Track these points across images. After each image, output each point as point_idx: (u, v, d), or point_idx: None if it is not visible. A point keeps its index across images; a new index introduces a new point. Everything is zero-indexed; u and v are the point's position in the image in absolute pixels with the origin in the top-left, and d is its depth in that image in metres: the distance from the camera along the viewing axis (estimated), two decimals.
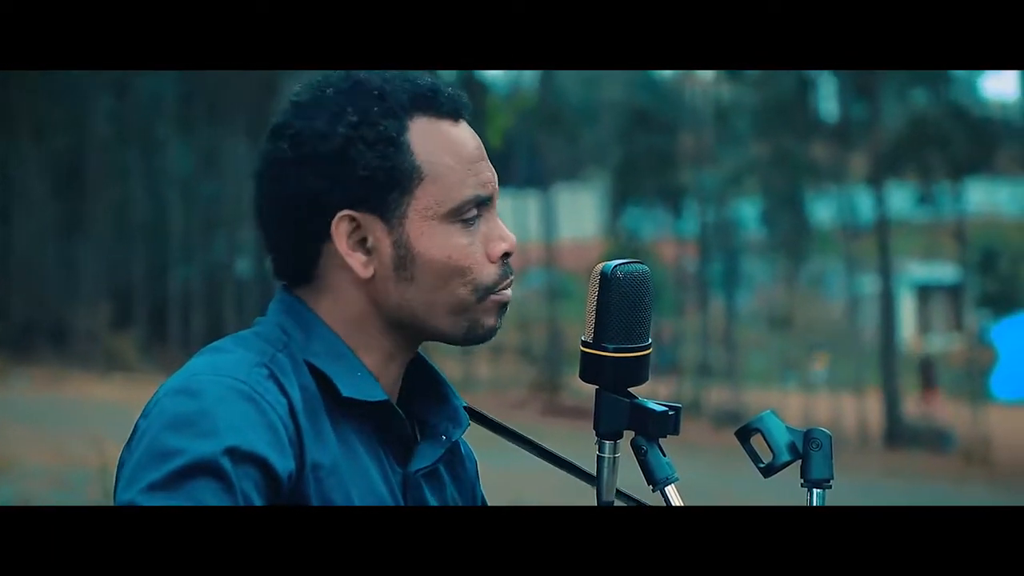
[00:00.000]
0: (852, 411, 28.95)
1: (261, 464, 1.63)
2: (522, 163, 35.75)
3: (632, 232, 37.81)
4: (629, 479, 1.83)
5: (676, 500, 1.76)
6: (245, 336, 1.77)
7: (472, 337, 1.79)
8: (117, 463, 1.68)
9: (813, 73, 31.64)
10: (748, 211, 36.32)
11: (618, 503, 1.82)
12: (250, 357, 1.72)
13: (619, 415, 1.77)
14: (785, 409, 27.47)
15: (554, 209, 33.63)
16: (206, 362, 1.72)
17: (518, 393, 29.96)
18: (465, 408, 1.86)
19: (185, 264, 31.81)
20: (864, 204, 31.46)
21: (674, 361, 32.49)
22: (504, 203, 1.83)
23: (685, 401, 27.88)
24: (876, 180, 29.30)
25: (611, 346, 1.76)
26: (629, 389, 1.78)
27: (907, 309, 40.21)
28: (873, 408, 28.99)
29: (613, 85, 40.39)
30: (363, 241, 1.76)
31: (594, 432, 1.79)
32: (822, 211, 34.99)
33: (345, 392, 1.74)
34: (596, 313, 1.76)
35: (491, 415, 1.91)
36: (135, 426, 1.69)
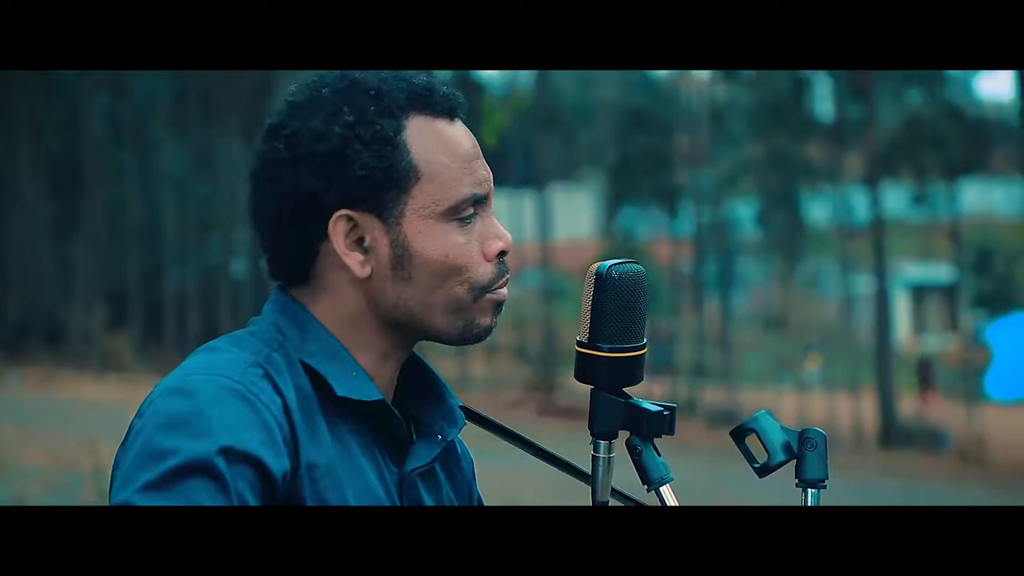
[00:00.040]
0: (847, 411, 28.98)
1: (255, 464, 1.63)
2: (518, 163, 35.76)
3: (627, 232, 37.84)
4: (625, 479, 1.83)
5: (671, 500, 1.76)
6: (240, 336, 1.77)
7: (468, 336, 1.79)
8: (112, 463, 1.68)
9: (808, 73, 31.67)
10: (743, 211, 36.34)
11: (614, 503, 1.82)
12: (245, 357, 1.72)
13: (614, 415, 1.77)
14: (780, 409, 27.48)
15: (550, 209, 33.64)
16: (201, 362, 1.72)
17: (513, 393, 29.97)
18: (461, 407, 1.86)
19: (180, 264, 31.81)
20: (859, 204, 31.49)
21: (670, 361, 32.50)
22: (500, 203, 1.84)
23: (680, 401, 27.88)
24: (871, 180, 29.32)
25: (606, 346, 1.76)
26: (624, 389, 1.78)
27: (902, 309, 40.24)
28: (868, 408, 29.01)
29: (609, 85, 40.41)
30: (360, 240, 1.76)
31: (589, 432, 1.79)
32: (817, 211, 35.02)
33: (340, 392, 1.74)
34: (591, 313, 1.77)
35: (487, 414, 1.91)
36: (130, 426, 1.69)
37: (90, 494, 9.46)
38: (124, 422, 1.73)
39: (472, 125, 1.85)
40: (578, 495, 1.96)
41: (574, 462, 1.95)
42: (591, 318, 1.76)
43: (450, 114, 1.80)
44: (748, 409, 23.94)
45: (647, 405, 1.77)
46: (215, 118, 30.86)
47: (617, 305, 1.76)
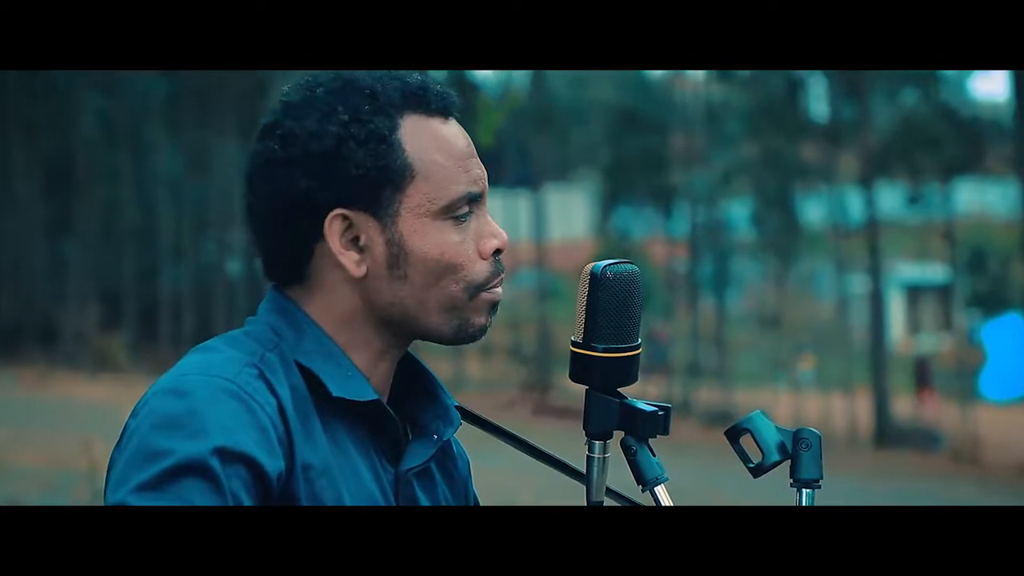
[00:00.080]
0: (841, 411, 28.99)
1: (250, 464, 1.63)
2: (512, 163, 35.76)
3: (622, 232, 37.85)
4: (619, 479, 1.83)
5: (666, 500, 1.76)
6: (235, 336, 1.77)
7: (462, 336, 1.79)
8: (107, 463, 1.68)
9: (803, 74, 31.68)
10: (738, 211, 36.34)
11: (608, 503, 1.82)
12: (240, 357, 1.72)
13: (609, 415, 1.77)
14: (775, 409, 27.50)
15: (544, 209, 33.64)
16: (196, 362, 1.72)
17: (508, 393, 29.96)
18: (456, 407, 1.86)
19: (175, 265, 31.78)
20: (854, 204, 31.50)
21: (664, 360, 32.50)
22: (494, 203, 1.83)
23: (675, 401, 27.90)
24: (866, 180, 29.33)
25: (601, 346, 1.76)
26: (619, 389, 1.78)
27: (897, 309, 40.27)
28: (863, 408, 29.03)
29: (603, 85, 40.42)
30: (356, 240, 1.76)
31: (584, 432, 1.79)
32: (812, 211, 35.03)
33: (335, 392, 1.74)
34: (586, 313, 1.77)
35: (482, 414, 1.91)
36: (125, 426, 1.69)
37: (84, 494, 9.45)
38: (118, 422, 1.73)
39: (467, 125, 1.85)
40: (573, 495, 1.96)
41: (569, 462, 1.95)
42: (586, 318, 1.76)
43: (444, 113, 1.80)
44: (743, 409, 23.94)
45: (642, 405, 1.77)
46: (210, 118, 30.84)
47: (612, 305, 1.76)
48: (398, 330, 1.79)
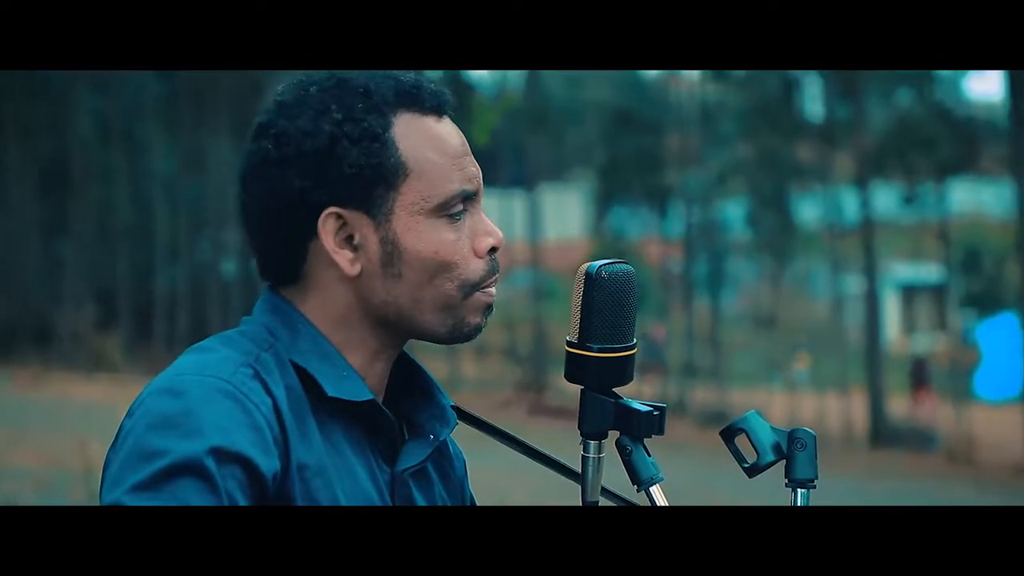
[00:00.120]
0: (837, 411, 29.01)
1: (246, 464, 1.63)
2: (508, 163, 35.76)
3: (617, 232, 37.86)
4: (615, 479, 1.83)
5: (661, 500, 1.76)
6: (230, 336, 1.77)
7: (457, 335, 1.79)
8: (103, 463, 1.68)
9: (798, 74, 31.70)
10: (733, 211, 36.36)
11: (604, 502, 1.82)
12: (235, 357, 1.72)
13: (604, 415, 1.77)
14: (770, 409, 27.51)
15: (539, 209, 33.64)
16: (191, 362, 1.72)
17: (503, 393, 29.96)
18: (452, 407, 1.86)
19: (170, 264, 31.77)
20: (849, 204, 31.52)
21: (660, 360, 32.51)
22: (490, 203, 1.84)
23: (670, 401, 27.90)
24: (861, 181, 29.36)
25: (596, 346, 1.76)
26: (614, 389, 1.78)
27: (892, 309, 40.29)
28: (858, 408, 29.05)
29: (598, 85, 40.43)
30: (350, 238, 1.76)
31: (579, 432, 1.79)
32: (807, 211, 35.05)
33: (330, 392, 1.74)
34: (581, 313, 1.77)
35: (478, 414, 1.91)
36: (120, 426, 1.69)
37: (80, 494, 9.45)
38: (114, 422, 1.73)
39: (463, 125, 1.85)
40: (568, 495, 1.96)
41: (564, 462, 1.95)
42: (581, 318, 1.76)
43: (438, 111, 1.80)
44: (738, 409, 23.96)
45: (637, 405, 1.77)
46: (205, 118, 30.82)
47: (607, 305, 1.76)
48: (393, 329, 1.79)
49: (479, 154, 1.86)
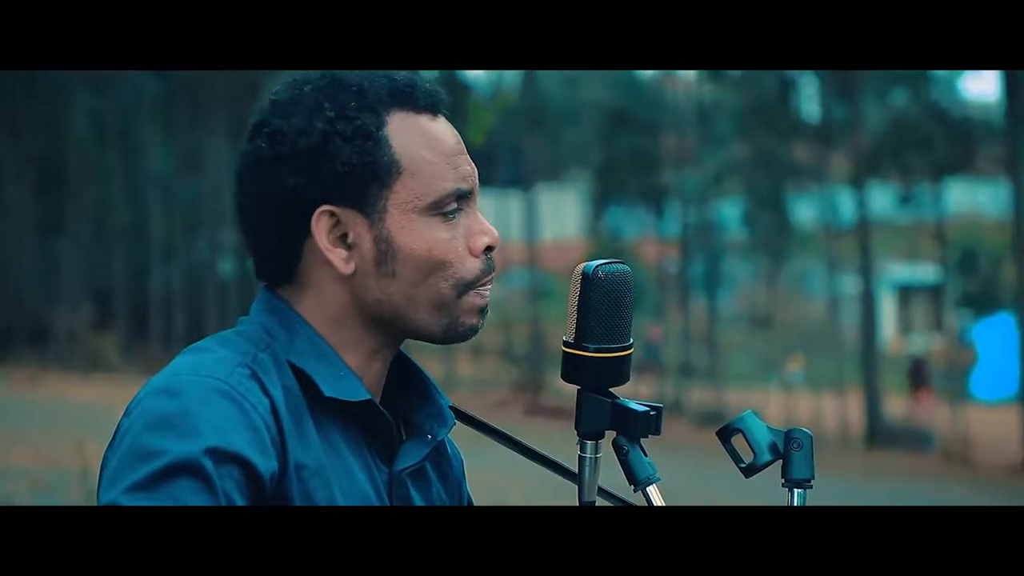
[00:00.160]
0: (833, 411, 29.02)
1: (243, 464, 1.63)
2: (504, 163, 35.76)
3: (614, 232, 37.89)
4: (611, 479, 1.83)
5: (658, 500, 1.76)
6: (227, 336, 1.77)
7: (452, 335, 1.79)
8: (100, 463, 1.68)
9: (794, 74, 31.71)
10: (730, 211, 36.37)
11: (600, 502, 1.83)
12: (232, 357, 1.72)
13: (601, 415, 1.77)
14: (766, 409, 27.51)
15: (536, 209, 33.64)
16: (188, 362, 1.72)
17: (500, 393, 29.96)
18: (450, 407, 1.86)
19: (166, 264, 31.76)
20: (845, 205, 31.53)
21: (656, 360, 32.52)
22: (486, 203, 1.83)
23: (667, 401, 27.90)
24: (857, 181, 29.36)
25: (592, 346, 1.76)
26: (611, 389, 1.78)
27: (888, 309, 40.30)
28: (854, 408, 29.06)
29: (595, 86, 40.43)
30: (344, 237, 1.76)
31: (576, 432, 1.79)
32: (803, 212, 35.06)
33: (328, 392, 1.74)
34: (577, 313, 1.77)
35: (475, 414, 1.91)
36: (117, 426, 1.69)
37: (77, 494, 9.43)
38: (111, 422, 1.73)
39: (458, 125, 1.85)
40: (565, 495, 1.97)
41: (561, 462, 1.95)
42: (577, 318, 1.77)
43: (432, 110, 1.80)
44: (735, 409, 23.95)
45: (634, 405, 1.77)
46: (201, 118, 30.81)
47: (603, 305, 1.76)
48: (388, 328, 1.79)
49: (475, 154, 1.86)
